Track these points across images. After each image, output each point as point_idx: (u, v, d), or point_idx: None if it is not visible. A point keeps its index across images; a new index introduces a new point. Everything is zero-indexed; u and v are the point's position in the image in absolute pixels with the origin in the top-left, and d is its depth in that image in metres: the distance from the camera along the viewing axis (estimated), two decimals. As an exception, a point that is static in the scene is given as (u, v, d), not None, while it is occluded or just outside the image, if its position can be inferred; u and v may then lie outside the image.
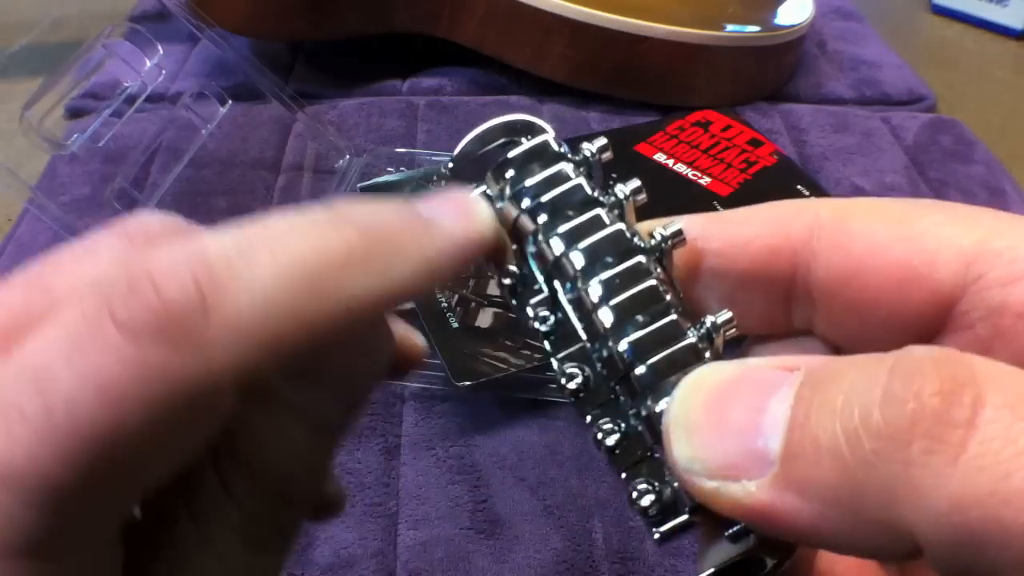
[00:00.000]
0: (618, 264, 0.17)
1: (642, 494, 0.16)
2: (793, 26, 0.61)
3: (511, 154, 0.18)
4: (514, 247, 0.18)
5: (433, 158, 0.55)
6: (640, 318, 0.17)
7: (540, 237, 0.18)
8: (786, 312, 0.18)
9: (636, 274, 0.17)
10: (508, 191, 0.18)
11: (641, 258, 0.17)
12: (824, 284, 0.17)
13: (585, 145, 0.19)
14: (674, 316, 0.17)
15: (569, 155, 0.19)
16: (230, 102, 0.47)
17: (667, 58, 0.59)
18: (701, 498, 0.15)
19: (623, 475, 0.17)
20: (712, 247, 0.18)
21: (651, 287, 0.17)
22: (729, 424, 0.14)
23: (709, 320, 0.17)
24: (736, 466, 0.14)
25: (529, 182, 0.18)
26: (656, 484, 0.16)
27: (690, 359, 0.16)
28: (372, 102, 0.62)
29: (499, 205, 0.18)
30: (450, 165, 0.20)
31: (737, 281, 0.18)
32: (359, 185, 0.52)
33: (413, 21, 0.61)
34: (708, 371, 0.15)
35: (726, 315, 0.17)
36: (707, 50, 0.59)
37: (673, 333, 0.17)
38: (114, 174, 0.41)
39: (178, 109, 0.45)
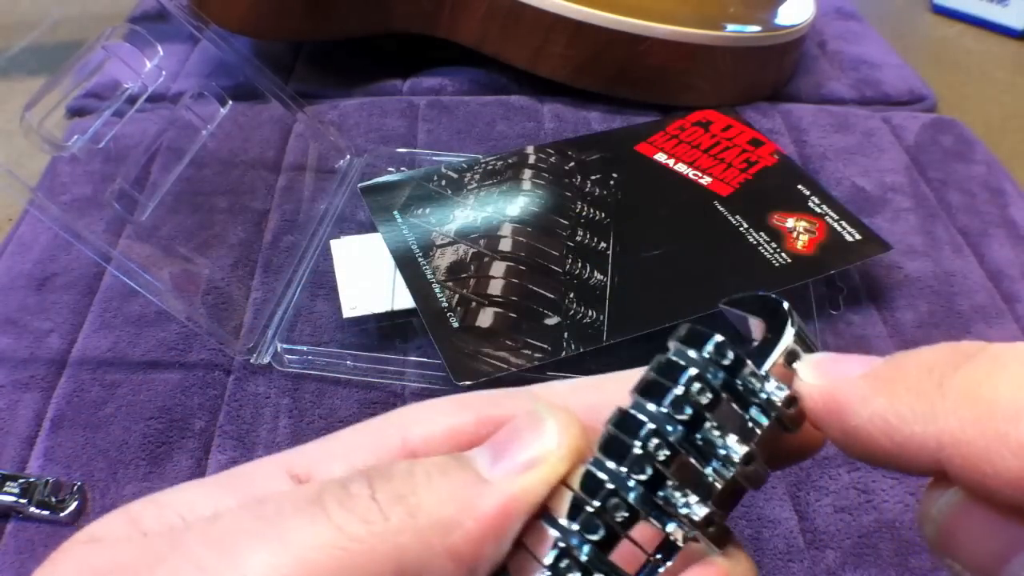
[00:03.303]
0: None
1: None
2: (794, 26, 0.61)
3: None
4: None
5: (434, 158, 0.55)
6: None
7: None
8: None
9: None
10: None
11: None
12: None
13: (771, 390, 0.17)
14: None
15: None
16: (230, 102, 0.47)
17: (668, 58, 0.59)
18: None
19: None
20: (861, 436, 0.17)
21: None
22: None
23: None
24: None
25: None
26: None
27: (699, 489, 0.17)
28: (372, 102, 0.62)
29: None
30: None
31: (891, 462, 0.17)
32: (359, 185, 0.52)
33: (413, 21, 0.61)
34: None
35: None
36: (708, 50, 0.59)
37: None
38: (114, 174, 0.41)
39: (178, 109, 0.45)
